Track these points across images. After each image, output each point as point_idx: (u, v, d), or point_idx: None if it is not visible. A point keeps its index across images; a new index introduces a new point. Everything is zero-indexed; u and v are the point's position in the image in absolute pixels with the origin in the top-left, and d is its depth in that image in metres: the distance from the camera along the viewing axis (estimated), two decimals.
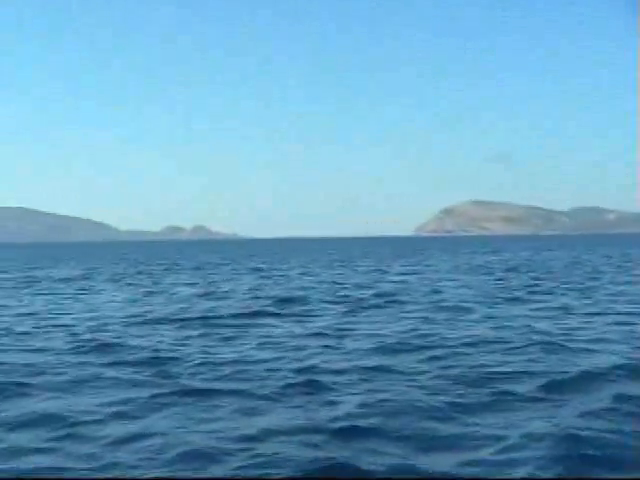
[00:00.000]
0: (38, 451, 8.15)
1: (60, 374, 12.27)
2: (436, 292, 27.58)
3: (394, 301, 24.12)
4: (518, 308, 21.60)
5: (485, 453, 7.87)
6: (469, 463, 7.57)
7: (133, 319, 20.19)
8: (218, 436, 8.57)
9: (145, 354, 14.13)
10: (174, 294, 29.12)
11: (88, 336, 16.72)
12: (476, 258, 66.52)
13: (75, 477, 7.18)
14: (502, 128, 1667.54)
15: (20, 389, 11.12)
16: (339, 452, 7.83)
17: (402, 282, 34.23)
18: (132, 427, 8.98)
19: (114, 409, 9.85)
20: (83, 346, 15.13)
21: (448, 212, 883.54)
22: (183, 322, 19.34)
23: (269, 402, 10.23)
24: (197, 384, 11.37)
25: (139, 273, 48.14)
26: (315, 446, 8.10)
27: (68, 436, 8.69)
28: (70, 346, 15.28)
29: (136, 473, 7.39)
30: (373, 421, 9.03)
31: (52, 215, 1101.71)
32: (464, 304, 22.57)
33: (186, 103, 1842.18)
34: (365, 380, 11.54)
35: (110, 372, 12.34)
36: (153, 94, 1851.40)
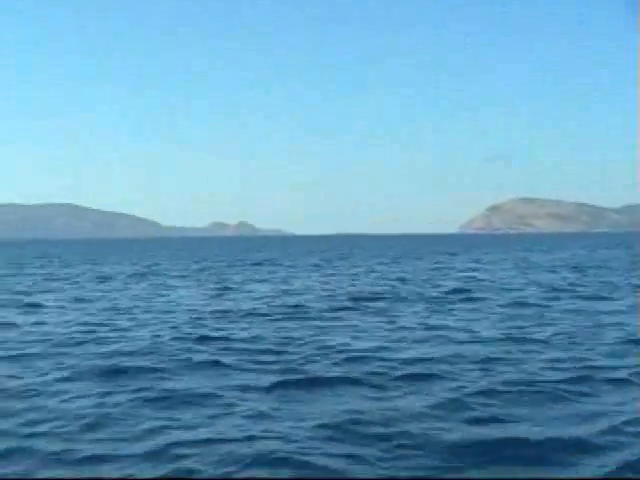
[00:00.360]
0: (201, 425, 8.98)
1: (185, 359, 13.11)
2: (509, 289, 27.76)
3: (471, 298, 24.45)
4: (603, 304, 21.74)
5: None
6: None
7: (225, 313, 20.91)
8: (357, 416, 9.17)
9: (258, 345, 14.88)
10: (251, 291, 29.79)
11: (188, 329, 17.49)
12: (534, 256, 66.08)
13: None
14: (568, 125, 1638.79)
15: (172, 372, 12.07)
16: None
17: (471, 278, 34.46)
18: (269, 405, 9.76)
19: (249, 391, 10.70)
20: (188, 337, 15.89)
21: (495, 209, 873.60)
22: (275, 315, 20.02)
23: (391, 388, 10.81)
24: (317, 372, 11.98)
25: (202, 270, 49.11)
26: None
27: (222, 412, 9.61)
28: (177, 336, 16.07)
29: (291, 444, 7.97)
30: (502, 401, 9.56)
31: (97, 211, 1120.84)
32: (543, 302, 22.77)
33: (232, 100, 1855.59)
34: (483, 369, 12.00)
35: (228, 359, 13.06)
36: (198, 92, 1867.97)
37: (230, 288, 31.15)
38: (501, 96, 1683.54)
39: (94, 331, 17.42)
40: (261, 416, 9.35)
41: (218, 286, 32.51)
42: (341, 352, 13.83)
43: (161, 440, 8.38)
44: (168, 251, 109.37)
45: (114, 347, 14.93)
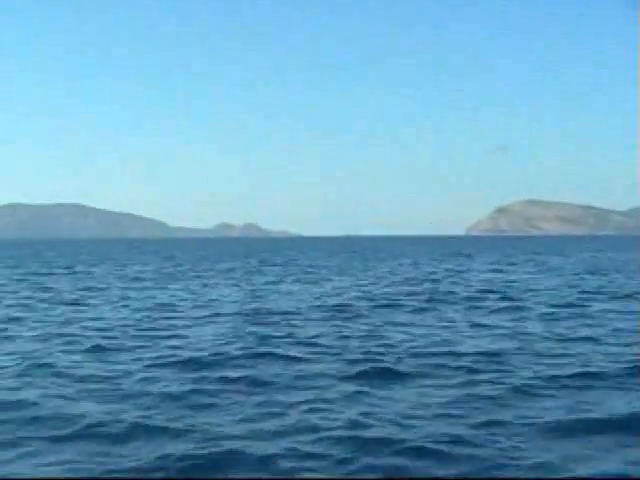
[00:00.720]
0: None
1: (256, 354, 13.99)
2: (541, 290, 28.60)
3: (508, 298, 25.30)
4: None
5: None
6: None
7: (271, 314, 21.72)
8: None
9: (322, 341, 15.84)
10: (290, 292, 30.59)
11: (252, 327, 18.37)
12: (551, 259, 66.76)
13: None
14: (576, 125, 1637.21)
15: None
16: None
17: (499, 280, 35.30)
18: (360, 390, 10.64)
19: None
20: (252, 334, 16.79)
21: (501, 211, 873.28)
22: (323, 314, 21.04)
23: (462, 376, 11.69)
24: (392, 365, 12.88)
25: (230, 270, 49.99)
26: None
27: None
28: (239, 334, 16.97)
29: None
30: None
31: (104, 211, 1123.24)
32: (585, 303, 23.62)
33: (240, 102, 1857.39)
34: (546, 362, 12.87)
35: (300, 353, 14.02)
36: (201, 92, 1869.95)
37: (267, 288, 32.03)
38: (505, 96, 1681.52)
39: (167, 328, 18.43)
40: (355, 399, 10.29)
41: (252, 287, 33.31)
42: (404, 347, 14.69)
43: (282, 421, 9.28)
44: (187, 252, 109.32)
45: (186, 341, 15.86)
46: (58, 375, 12.17)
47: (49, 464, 7.72)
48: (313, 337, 16.35)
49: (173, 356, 13.89)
